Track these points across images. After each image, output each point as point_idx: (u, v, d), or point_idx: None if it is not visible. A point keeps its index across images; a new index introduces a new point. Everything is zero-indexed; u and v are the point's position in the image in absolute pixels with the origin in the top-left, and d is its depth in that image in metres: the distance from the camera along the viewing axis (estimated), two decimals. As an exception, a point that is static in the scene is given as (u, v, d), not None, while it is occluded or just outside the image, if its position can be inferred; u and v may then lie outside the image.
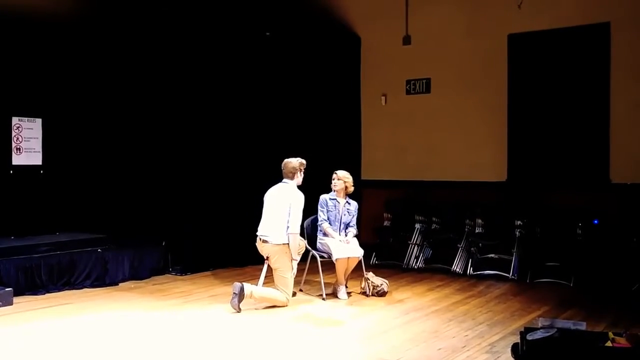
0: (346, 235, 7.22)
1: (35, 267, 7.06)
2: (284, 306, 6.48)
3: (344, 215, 7.29)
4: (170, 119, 8.82)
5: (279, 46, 9.63)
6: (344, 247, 7.00)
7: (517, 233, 8.37)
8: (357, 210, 7.42)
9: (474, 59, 9.16)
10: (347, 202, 7.36)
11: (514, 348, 3.83)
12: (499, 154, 8.95)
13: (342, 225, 7.29)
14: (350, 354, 5.09)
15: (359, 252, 7.06)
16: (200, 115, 9.06)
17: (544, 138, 8.71)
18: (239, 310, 6.20)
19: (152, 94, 8.73)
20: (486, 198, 8.81)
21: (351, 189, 7.38)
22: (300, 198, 6.60)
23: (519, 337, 4.24)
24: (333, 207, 7.27)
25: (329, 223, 7.23)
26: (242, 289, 6.21)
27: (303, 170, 6.78)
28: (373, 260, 9.07)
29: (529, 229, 8.37)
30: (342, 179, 7.34)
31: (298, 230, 6.55)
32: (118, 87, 8.62)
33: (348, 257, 6.94)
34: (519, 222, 8.39)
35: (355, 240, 7.23)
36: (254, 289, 6.36)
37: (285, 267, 6.51)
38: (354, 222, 7.35)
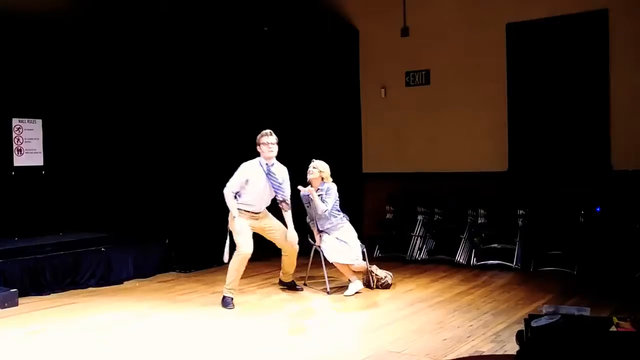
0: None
1: (40, 267, 7.07)
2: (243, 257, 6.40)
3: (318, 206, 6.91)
4: (170, 116, 8.81)
5: (277, 41, 9.61)
6: (338, 248, 6.81)
7: (520, 222, 8.37)
8: (329, 192, 6.86)
9: (472, 49, 9.14)
10: (318, 187, 6.93)
11: (519, 335, 3.84)
12: (499, 143, 8.94)
13: (323, 220, 6.94)
14: (355, 346, 5.10)
15: (355, 257, 6.83)
16: (200, 111, 9.05)
17: (545, 127, 8.68)
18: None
19: (151, 92, 8.73)
20: (488, 188, 8.80)
21: (329, 180, 6.95)
22: (240, 167, 6.57)
23: (523, 324, 4.25)
24: (307, 204, 7.01)
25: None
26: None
27: (261, 143, 6.52)
28: (376, 253, 9.08)
29: (532, 218, 8.36)
30: (317, 167, 6.93)
31: (225, 190, 6.47)
32: (117, 85, 8.62)
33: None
34: (521, 212, 8.39)
35: (352, 236, 6.92)
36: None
37: (233, 230, 6.55)
38: (328, 199, 6.86)
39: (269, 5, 9.40)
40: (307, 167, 6.99)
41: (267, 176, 6.52)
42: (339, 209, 6.98)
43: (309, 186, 7.00)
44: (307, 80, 9.89)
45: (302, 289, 7.08)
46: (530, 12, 8.65)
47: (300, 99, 9.86)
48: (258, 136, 6.55)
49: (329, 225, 6.91)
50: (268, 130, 6.55)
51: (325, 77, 10.01)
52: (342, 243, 6.82)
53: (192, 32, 8.81)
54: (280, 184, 6.56)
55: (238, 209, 6.48)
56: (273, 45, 9.61)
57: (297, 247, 6.82)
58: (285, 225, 6.73)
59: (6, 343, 5.23)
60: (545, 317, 3.64)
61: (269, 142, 6.49)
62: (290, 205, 6.66)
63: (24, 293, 6.71)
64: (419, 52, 9.58)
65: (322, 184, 6.94)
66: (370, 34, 10.06)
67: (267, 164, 6.55)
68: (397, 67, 9.79)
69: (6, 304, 6.36)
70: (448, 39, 9.34)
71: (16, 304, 6.45)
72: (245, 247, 6.40)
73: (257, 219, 6.63)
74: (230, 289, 6.40)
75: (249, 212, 6.56)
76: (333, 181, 7.01)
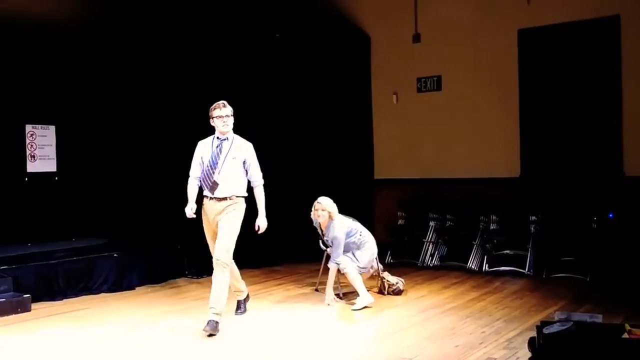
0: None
1: (53, 273, 7.11)
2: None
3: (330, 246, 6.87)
4: (183, 122, 8.85)
5: (288, 47, 9.65)
6: (349, 260, 6.72)
7: (532, 229, 8.33)
8: (336, 242, 6.62)
9: (484, 55, 9.13)
10: (325, 233, 6.78)
11: (531, 342, 3.83)
12: (511, 149, 8.91)
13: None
14: (367, 353, 5.09)
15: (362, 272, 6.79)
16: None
17: (557, 132, 8.65)
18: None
19: (164, 99, 8.78)
20: (500, 194, 8.77)
21: (334, 216, 6.68)
22: None
23: (535, 331, 4.23)
24: (320, 232, 6.91)
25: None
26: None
27: (214, 117, 5.75)
28: (388, 259, 9.07)
29: (544, 225, 8.32)
30: (326, 208, 6.64)
31: (189, 178, 5.95)
32: (129, 92, 8.67)
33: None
34: (533, 218, 8.35)
35: (367, 256, 6.81)
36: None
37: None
38: (335, 251, 6.67)
39: (280, 12, 9.45)
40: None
41: (214, 151, 5.75)
42: (353, 232, 6.81)
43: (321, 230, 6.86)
44: (318, 86, 9.91)
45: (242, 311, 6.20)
46: (541, 18, 8.63)
47: (312, 106, 9.88)
48: (210, 108, 5.80)
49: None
50: (222, 102, 5.79)
51: (336, 84, 10.04)
52: (353, 257, 6.76)
53: (205, 39, 8.86)
54: (215, 164, 5.69)
55: (205, 196, 5.81)
56: (285, 52, 9.64)
57: (221, 263, 5.62)
58: None
59: (19, 348, 5.26)
60: (558, 323, 3.63)
61: (222, 114, 5.72)
62: (262, 188, 5.90)
63: (36, 298, 6.75)
64: (430, 59, 9.57)
65: (330, 223, 6.70)
66: (382, 40, 10.07)
67: (218, 138, 5.80)
68: (408, 74, 9.79)
69: (19, 310, 6.41)
70: (460, 45, 9.33)
71: (29, 310, 6.49)
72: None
73: (216, 211, 5.73)
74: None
75: (207, 197, 5.79)
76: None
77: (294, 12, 9.57)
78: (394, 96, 9.97)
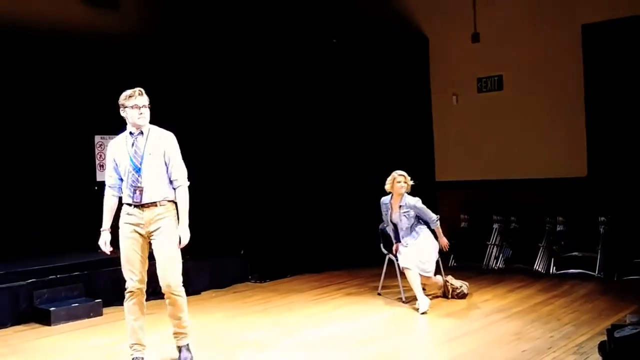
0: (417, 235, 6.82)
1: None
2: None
3: (401, 221, 6.84)
4: (243, 127, 8.99)
5: (346, 52, 9.69)
6: (412, 256, 6.68)
7: (601, 229, 8.09)
8: (418, 207, 6.78)
9: (546, 52, 8.92)
10: (400, 205, 6.81)
11: (602, 346, 3.73)
12: (577, 149, 8.66)
13: (404, 232, 6.86)
14: (431, 357, 5.06)
15: (427, 270, 6.67)
16: (272, 122, 9.21)
17: (626, 130, 8.36)
18: None
19: (223, 104, 8.93)
20: (566, 195, 8.56)
21: (409, 189, 6.91)
22: None
23: (606, 335, 4.12)
24: (386, 212, 6.99)
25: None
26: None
27: (127, 106, 4.81)
28: (451, 262, 8.96)
29: (614, 225, 8.07)
30: (408, 181, 6.84)
31: (105, 190, 5.10)
32: (189, 101, 8.85)
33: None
34: (602, 218, 8.11)
35: (429, 248, 6.79)
36: None
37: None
38: (428, 216, 6.84)
39: (337, 18, 9.50)
40: (385, 177, 6.89)
41: (130, 150, 4.77)
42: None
43: (391, 203, 6.88)
44: (377, 90, 9.91)
45: None
46: (607, 12, 8.36)
47: (372, 109, 9.89)
48: (122, 97, 4.81)
49: (412, 240, 6.82)
50: (138, 89, 4.81)
51: (395, 86, 10.01)
52: (416, 252, 6.71)
53: (265, 48, 8.98)
54: (136, 165, 4.74)
55: (127, 204, 4.84)
56: (343, 56, 9.68)
57: (177, 292, 5.03)
58: None
59: (93, 351, 5.46)
60: (630, 327, 3.52)
61: (139, 104, 4.74)
62: (184, 188, 4.95)
63: (108, 303, 6.96)
64: (490, 58, 9.42)
65: (405, 194, 6.81)
66: (440, 41, 9.98)
67: (131, 133, 4.81)
68: (468, 74, 9.66)
69: (91, 314, 6.67)
70: (520, 43, 9.15)
71: (101, 314, 6.74)
72: (128, 281, 4.96)
73: (141, 224, 4.78)
74: (130, 345, 4.91)
75: (129, 206, 4.80)
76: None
77: (351, 16, 9.60)
78: (454, 97, 9.85)
